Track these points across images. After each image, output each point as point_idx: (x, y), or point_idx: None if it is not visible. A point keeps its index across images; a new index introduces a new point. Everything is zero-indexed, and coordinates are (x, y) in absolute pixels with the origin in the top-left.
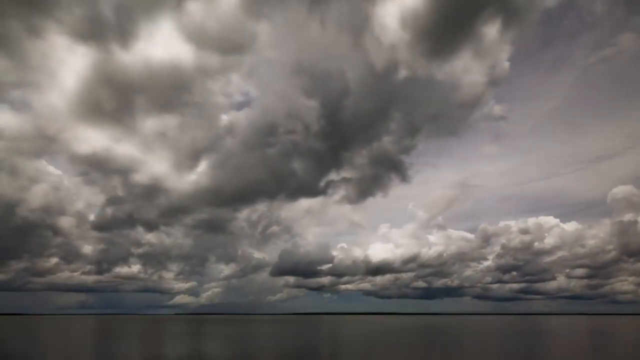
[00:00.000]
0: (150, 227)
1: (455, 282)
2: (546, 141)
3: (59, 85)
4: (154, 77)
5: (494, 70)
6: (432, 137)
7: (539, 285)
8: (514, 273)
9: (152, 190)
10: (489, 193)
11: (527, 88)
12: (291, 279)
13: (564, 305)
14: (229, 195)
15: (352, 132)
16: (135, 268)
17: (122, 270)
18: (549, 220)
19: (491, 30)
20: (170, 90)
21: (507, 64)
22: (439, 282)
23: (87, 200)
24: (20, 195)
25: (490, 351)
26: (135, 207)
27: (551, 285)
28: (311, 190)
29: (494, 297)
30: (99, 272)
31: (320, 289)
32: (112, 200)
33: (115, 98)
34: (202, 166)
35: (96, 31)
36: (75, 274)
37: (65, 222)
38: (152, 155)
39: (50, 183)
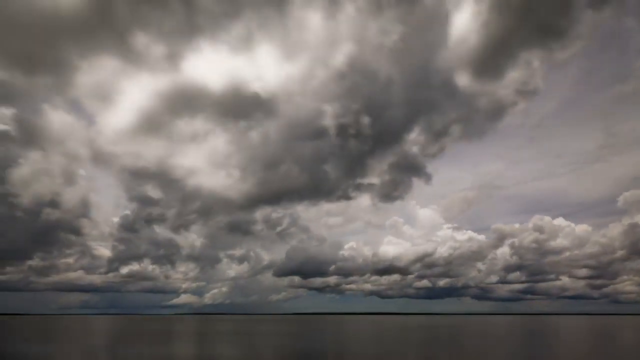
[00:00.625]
0: (174, 228)
1: (460, 283)
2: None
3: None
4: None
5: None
6: (456, 141)
7: (544, 285)
8: (519, 273)
9: (182, 191)
10: (508, 194)
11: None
12: (295, 279)
13: (567, 306)
14: (255, 198)
15: (383, 135)
16: (145, 267)
17: (132, 269)
18: (559, 221)
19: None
20: None
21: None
22: (445, 282)
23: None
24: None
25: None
26: (163, 208)
27: (555, 285)
28: (335, 193)
29: (497, 297)
30: (108, 271)
31: (323, 289)
32: (142, 201)
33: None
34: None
35: None
36: (82, 273)
37: (87, 223)
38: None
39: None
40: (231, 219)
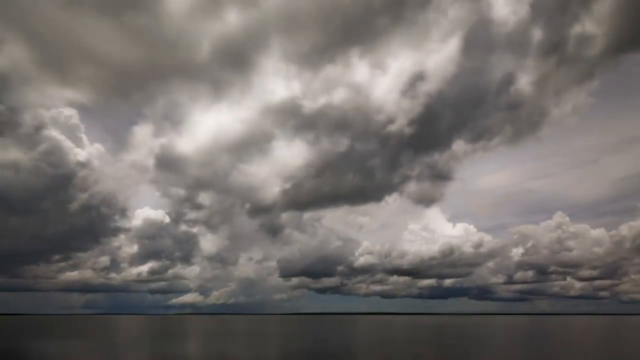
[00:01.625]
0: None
1: (468, 283)
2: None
3: None
4: None
5: None
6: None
7: (550, 286)
8: (530, 273)
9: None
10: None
11: None
12: (298, 279)
13: (571, 306)
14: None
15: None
16: (160, 267)
17: (143, 269)
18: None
19: None
20: None
21: None
22: (451, 283)
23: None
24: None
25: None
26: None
27: (562, 285)
28: (369, 195)
29: (502, 297)
30: (120, 271)
31: (327, 289)
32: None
33: None
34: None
35: None
36: (92, 272)
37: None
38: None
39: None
40: (260, 220)
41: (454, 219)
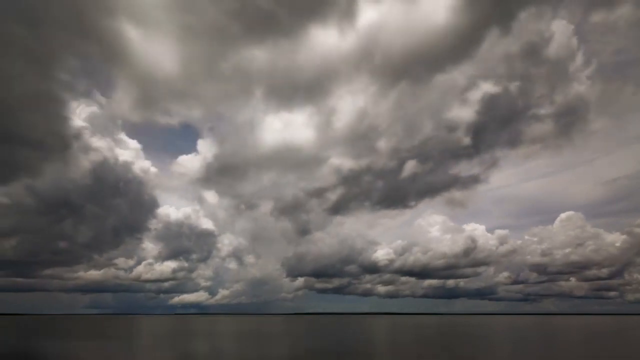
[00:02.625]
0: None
1: (476, 283)
2: None
3: None
4: None
5: None
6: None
7: (555, 286)
8: (535, 274)
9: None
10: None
11: None
12: (310, 279)
13: (575, 306)
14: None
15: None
16: (173, 266)
17: (158, 268)
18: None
19: None
20: None
21: None
22: (457, 283)
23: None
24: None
25: None
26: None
27: (567, 285)
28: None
29: (514, 298)
30: (131, 271)
31: (337, 289)
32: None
33: None
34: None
35: None
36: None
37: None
38: None
39: None
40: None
41: (469, 220)
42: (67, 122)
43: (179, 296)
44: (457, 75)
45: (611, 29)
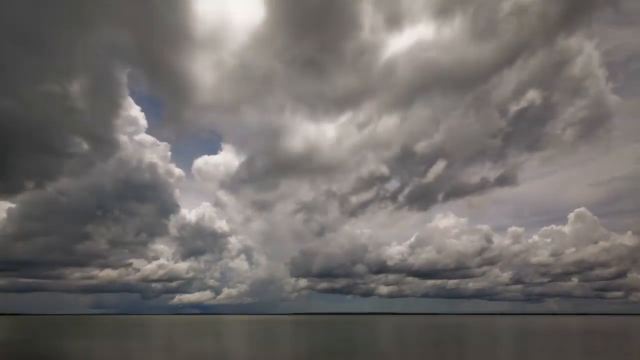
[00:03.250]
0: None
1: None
2: None
3: None
4: None
5: None
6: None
7: (560, 286)
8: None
9: None
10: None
11: None
12: (314, 280)
13: (579, 306)
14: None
15: None
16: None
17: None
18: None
19: None
20: None
21: None
22: (464, 283)
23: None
24: None
25: None
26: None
27: (570, 285)
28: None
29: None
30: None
31: (334, 290)
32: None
33: None
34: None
35: None
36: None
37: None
38: None
39: None
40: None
41: (484, 221)
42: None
43: (183, 295)
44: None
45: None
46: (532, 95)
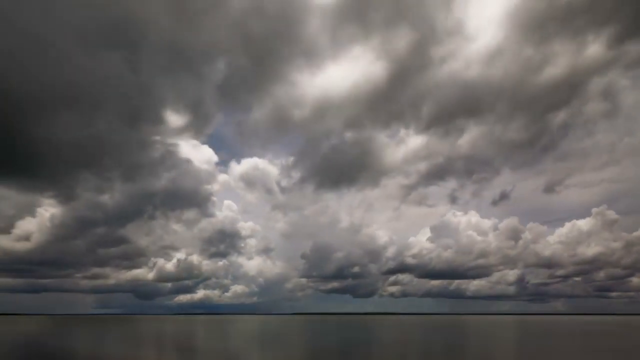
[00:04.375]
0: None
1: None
2: None
3: None
4: None
5: None
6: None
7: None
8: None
9: None
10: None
11: None
12: (317, 280)
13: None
14: None
15: None
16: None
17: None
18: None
19: None
20: None
21: None
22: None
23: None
24: None
25: None
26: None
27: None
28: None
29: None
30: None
31: (338, 290)
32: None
33: None
34: None
35: None
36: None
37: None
38: None
39: None
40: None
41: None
42: None
43: (193, 294)
44: None
45: None
46: None
